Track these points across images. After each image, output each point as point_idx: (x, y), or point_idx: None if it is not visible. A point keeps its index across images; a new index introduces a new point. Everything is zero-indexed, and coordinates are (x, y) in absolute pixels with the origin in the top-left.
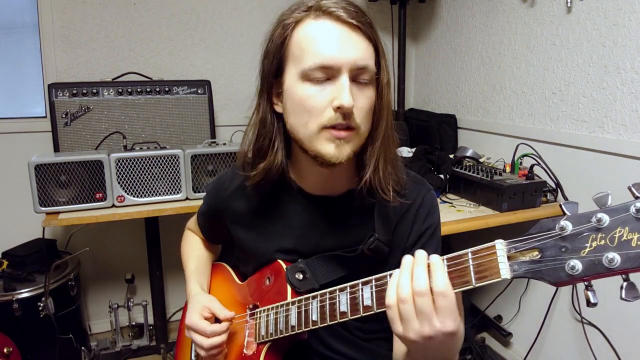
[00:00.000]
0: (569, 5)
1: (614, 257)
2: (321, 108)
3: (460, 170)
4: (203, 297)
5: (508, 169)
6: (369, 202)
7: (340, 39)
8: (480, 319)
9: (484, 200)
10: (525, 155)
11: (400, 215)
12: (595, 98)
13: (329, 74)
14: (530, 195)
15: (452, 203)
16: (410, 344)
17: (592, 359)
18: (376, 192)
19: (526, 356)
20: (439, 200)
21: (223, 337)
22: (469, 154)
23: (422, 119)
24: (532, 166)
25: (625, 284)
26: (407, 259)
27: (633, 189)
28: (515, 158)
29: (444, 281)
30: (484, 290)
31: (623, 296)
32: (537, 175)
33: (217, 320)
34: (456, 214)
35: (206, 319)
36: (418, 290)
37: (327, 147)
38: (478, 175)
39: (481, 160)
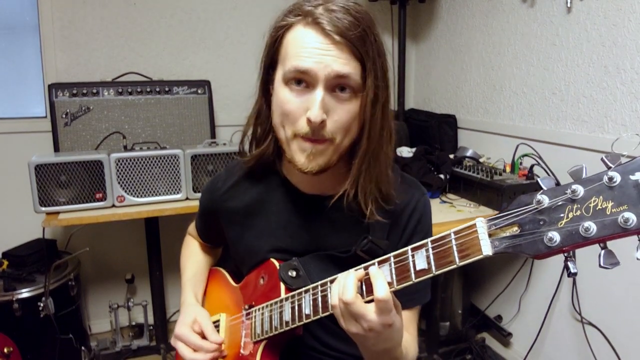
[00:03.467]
0: (569, 5)
1: (590, 226)
2: (296, 115)
3: (460, 170)
4: (196, 309)
5: (508, 169)
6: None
7: (320, 49)
8: (480, 319)
9: (484, 200)
10: (525, 155)
11: (394, 218)
12: (595, 98)
13: (306, 81)
14: None
15: (452, 203)
16: (353, 336)
17: (592, 359)
18: (355, 206)
19: (526, 356)
20: (439, 200)
21: (207, 357)
22: (469, 154)
23: (422, 119)
24: (532, 166)
25: (602, 251)
26: (342, 274)
27: (606, 159)
28: (515, 158)
29: (384, 289)
30: (484, 290)
31: (601, 264)
32: (537, 175)
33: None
34: (456, 214)
35: (196, 333)
36: (346, 300)
37: (299, 156)
38: (478, 175)
39: (481, 160)
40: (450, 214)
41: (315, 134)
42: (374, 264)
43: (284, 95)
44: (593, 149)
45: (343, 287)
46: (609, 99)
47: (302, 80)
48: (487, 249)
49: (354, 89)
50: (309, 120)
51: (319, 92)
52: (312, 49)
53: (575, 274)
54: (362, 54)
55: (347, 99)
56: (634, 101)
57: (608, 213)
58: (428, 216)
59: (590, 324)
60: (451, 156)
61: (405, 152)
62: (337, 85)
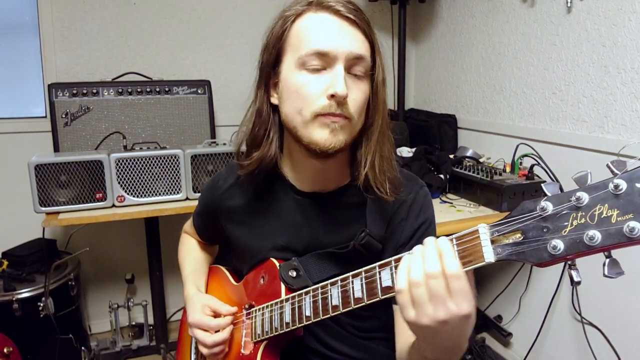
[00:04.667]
0: (569, 5)
1: (595, 235)
2: (316, 96)
3: (460, 170)
4: (201, 296)
5: (508, 169)
6: (362, 199)
7: (338, 29)
8: (480, 319)
9: (484, 200)
10: (525, 155)
11: (393, 211)
12: (595, 98)
13: (325, 62)
14: (530, 196)
15: (452, 203)
16: (422, 330)
17: (592, 359)
18: (372, 188)
19: (526, 356)
20: (439, 200)
21: (226, 334)
22: (469, 154)
23: (422, 119)
24: (532, 166)
25: (607, 260)
26: (417, 246)
27: (612, 166)
28: (515, 158)
29: (456, 264)
30: (484, 290)
31: (606, 273)
32: (537, 175)
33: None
34: (456, 214)
35: (208, 315)
36: (430, 272)
37: (321, 133)
38: (478, 175)
39: (481, 160)
40: (450, 214)
41: (339, 109)
42: (386, 263)
43: (299, 79)
44: (593, 149)
45: (443, 255)
46: (609, 99)
47: (319, 62)
48: (489, 256)
49: (365, 69)
50: (332, 96)
51: (340, 68)
52: (329, 31)
53: (579, 282)
54: (371, 35)
55: (360, 79)
56: (634, 101)
57: (613, 222)
58: (428, 207)
59: (591, 324)
60: (451, 156)
61: (405, 152)
62: (352, 65)
